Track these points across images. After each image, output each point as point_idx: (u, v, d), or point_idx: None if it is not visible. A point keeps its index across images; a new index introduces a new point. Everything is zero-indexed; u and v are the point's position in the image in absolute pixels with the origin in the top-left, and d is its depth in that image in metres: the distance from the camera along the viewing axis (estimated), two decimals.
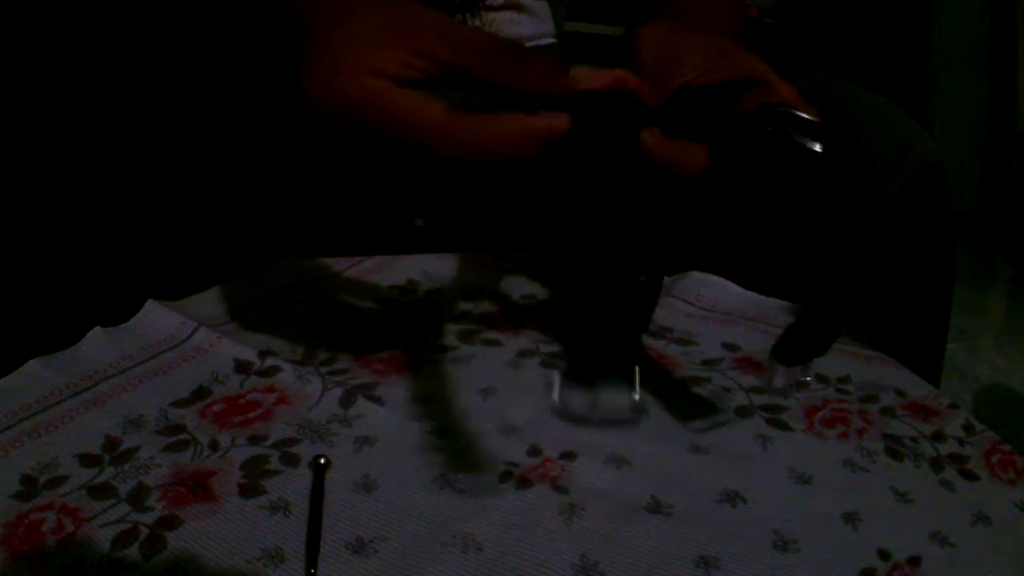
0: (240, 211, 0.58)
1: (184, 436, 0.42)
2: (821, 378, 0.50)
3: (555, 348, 0.52)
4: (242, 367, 0.48)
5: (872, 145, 0.60)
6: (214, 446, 0.42)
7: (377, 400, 0.46)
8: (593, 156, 0.36)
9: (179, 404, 0.45)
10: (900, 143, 0.60)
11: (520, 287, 0.60)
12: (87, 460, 0.40)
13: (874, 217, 0.60)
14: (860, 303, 0.59)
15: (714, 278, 0.61)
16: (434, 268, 0.62)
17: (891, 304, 0.62)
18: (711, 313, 0.57)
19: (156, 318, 0.52)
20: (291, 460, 0.41)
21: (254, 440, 0.42)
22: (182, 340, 0.50)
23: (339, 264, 0.61)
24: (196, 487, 0.39)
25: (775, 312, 0.58)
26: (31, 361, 0.46)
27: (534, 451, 0.42)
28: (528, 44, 0.77)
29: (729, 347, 0.53)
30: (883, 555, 0.37)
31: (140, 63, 0.59)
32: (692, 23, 0.46)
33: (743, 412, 0.47)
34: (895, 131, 0.62)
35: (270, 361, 0.49)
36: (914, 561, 0.36)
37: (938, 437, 0.45)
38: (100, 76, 0.59)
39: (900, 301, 0.62)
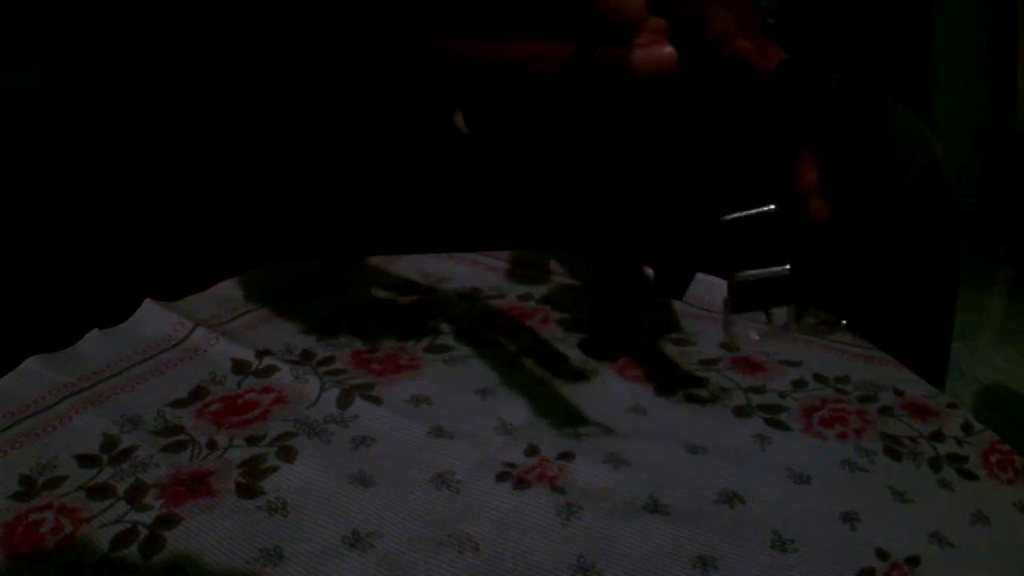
0: (239, 211, 0.58)
1: (182, 436, 0.42)
2: (820, 378, 0.50)
3: (552, 348, 0.52)
4: (240, 367, 0.48)
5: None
6: (212, 446, 0.42)
7: (375, 400, 0.46)
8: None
9: (177, 404, 0.45)
10: (911, 139, 0.61)
11: (518, 287, 0.60)
12: (86, 460, 0.40)
13: (886, 212, 0.60)
14: (865, 303, 0.59)
15: (712, 278, 0.61)
16: (432, 268, 0.62)
17: (896, 305, 0.62)
18: (709, 313, 0.57)
19: (154, 318, 0.52)
20: (288, 455, 0.41)
21: (252, 440, 0.42)
22: (180, 340, 0.50)
23: (337, 264, 0.61)
24: (194, 486, 0.39)
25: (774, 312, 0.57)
26: (29, 360, 0.46)
27: (532, 451, 0.42)
28: None
29: (727, 347, 0.53)
30: (882, 555, 0.37)
31: (147, 61, 0.59)
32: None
33: (741, 412, 0.47)
34: (905, 127, 0.62)
35: (268, 361, 0.49)
36: (912, 560, 0.36)
37: (937, 437, 0.45)
38: (101, 74, 0.59)
39: (905, 301, 0.62)
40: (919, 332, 0.63)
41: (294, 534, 0.36)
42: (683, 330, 0.55)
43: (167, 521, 0.36)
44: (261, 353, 0.49)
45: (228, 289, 0.57)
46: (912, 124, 0.63)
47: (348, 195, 0.74)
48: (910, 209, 0.60)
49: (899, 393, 0.49)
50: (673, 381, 0.49)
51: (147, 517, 0.36)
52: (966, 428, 0.46)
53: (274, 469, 0.40)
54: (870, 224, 0.60)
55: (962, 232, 0.64)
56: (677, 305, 0.58)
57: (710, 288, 0.60)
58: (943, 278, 0.63)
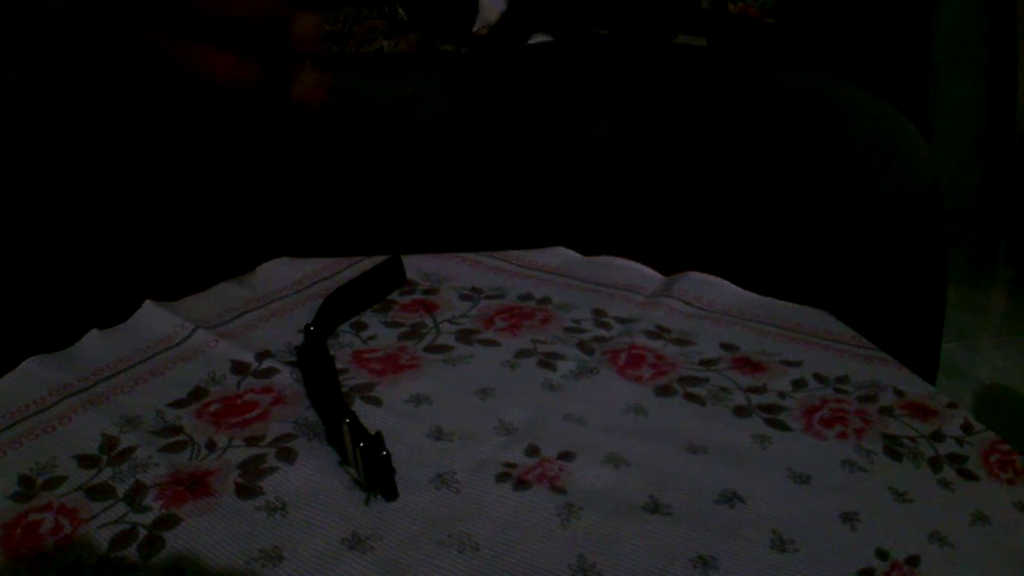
0: (239, 211, 0.58)
1: (181, 437, 0.42)
2: (820, 378, 0.50)
3: (552, 349, 0.52)
4: (239, 368, 0.48)
5: (861, 145, 0.61)
6: (211, 446, 0.42)
7: (374, 401, 0.46)
8: None
9: (176, 404, 0.45)
10: (890, 144, 0.61)
11: (518, 287, 0.60)
12: (85, 461, 0.40)
13: (861, 216, 0.60)
14: (852, 307, 0.59)
15: (712, 278, 0.61)
16: (431, 268, 0.62)
17: (883, 310, 0.62)
18: (709, 313, 0.57)
19: (154, 319, 0.52)
20: (287, 455, 0.41)
21: (251, 441, 0.42)
22: (180, 341, 0.50)
23: (337, 264, 0.61)
24: (194, 486, 0.39)
25: (774, 312, 0.57)
26: (29, 360, 0.46)
27: (532, 451, 0.42)
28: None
29: (727, 347, 0.53)
30: (882, 555, 0.37)
31: (141, 64, 0.59)
32: None
33: (741, 412, 0.47)
34: (886, 133, 0.62)
35: (267, 362, 0.49)
36: (912, 561, 0.36)
37: (937, 437, 0.45)
38: (101, 75, 0.59)
39: (892, 308, 0.62)
40: (908, 338, 0.63)
41: (294, 535, 0.36)
42: (682, 330, 0.55)
43: (166, 522, 0.36)
44: (261, 354, 0.49)
45: (228, 289, 0.57)
46: (905, 130, 0.63)
47: (347, 195, 0.74)
48: (901, 218, 0.61)
49: (899, 393, 0.49)
50: (673, 381, 0.49)
51: (146, 518, 0.36)
52: (966, 428, 0.46)
53: (273, 470, 0.40)
54: (850, 228, 0.60)
55: (953, 236, 0.64)
56: (676, 305, 0.58)
57: (709, 288, 0.60)
58: (931, 286, 0.63)
